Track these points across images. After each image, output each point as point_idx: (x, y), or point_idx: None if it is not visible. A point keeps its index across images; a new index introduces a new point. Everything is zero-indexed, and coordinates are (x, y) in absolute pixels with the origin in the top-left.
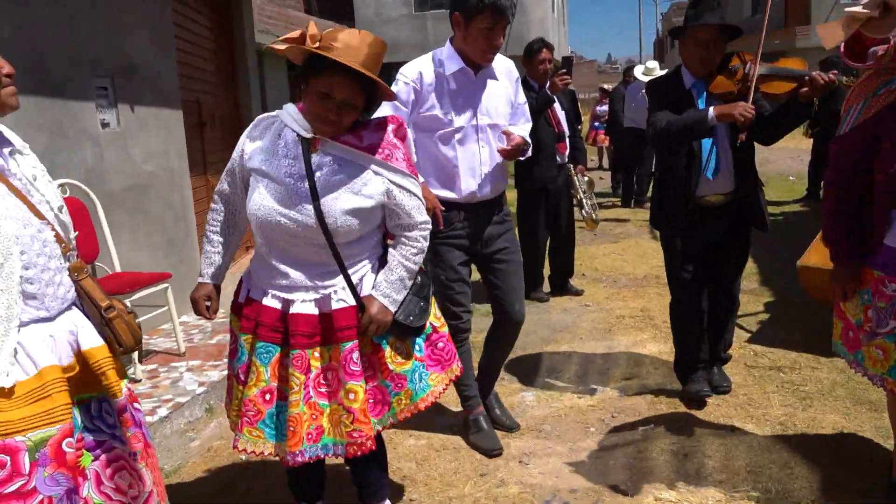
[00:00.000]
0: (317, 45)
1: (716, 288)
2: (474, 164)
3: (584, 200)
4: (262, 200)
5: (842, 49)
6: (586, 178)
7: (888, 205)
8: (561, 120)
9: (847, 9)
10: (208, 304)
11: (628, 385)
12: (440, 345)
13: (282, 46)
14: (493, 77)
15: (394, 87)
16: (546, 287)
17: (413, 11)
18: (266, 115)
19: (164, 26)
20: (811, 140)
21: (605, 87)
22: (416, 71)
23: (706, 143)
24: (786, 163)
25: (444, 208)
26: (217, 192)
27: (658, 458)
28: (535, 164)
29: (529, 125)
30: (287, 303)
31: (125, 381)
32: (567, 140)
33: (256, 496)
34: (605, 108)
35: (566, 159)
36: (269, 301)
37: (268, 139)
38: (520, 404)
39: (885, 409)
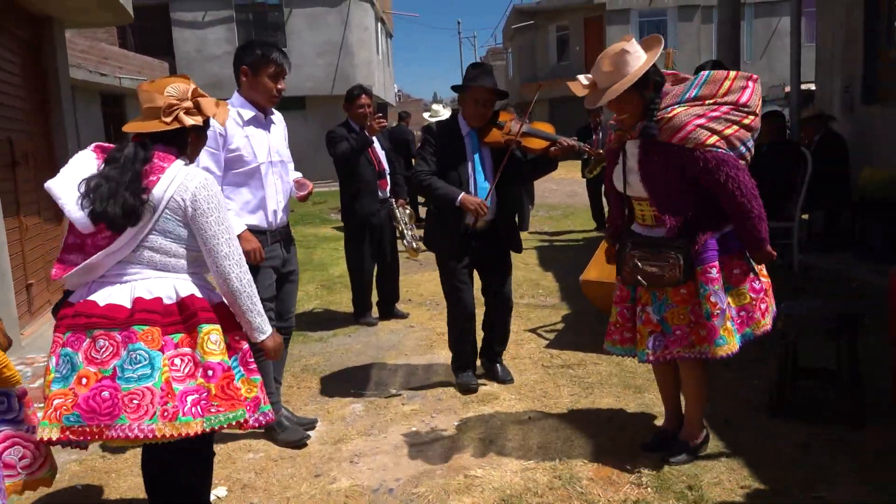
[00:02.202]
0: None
1: (490, 294)
2: (274, 194)
3: (405, 231)
4: None
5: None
6: (407, 211)
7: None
8: (381, 159)
9: (569, 83)
10: None
11: (446, 390)
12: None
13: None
14: (274, 122)
15: None
16: (375, 313)
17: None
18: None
19: None
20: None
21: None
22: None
23: (483, 184)
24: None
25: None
26: None
27: (468, 445)
28: (357, 200)
29: (292, 164)
30: None
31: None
32: (388, 177)
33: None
34: None
35: (388, 194)
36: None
37: None
38: (350, 415)
39: (646, 391)
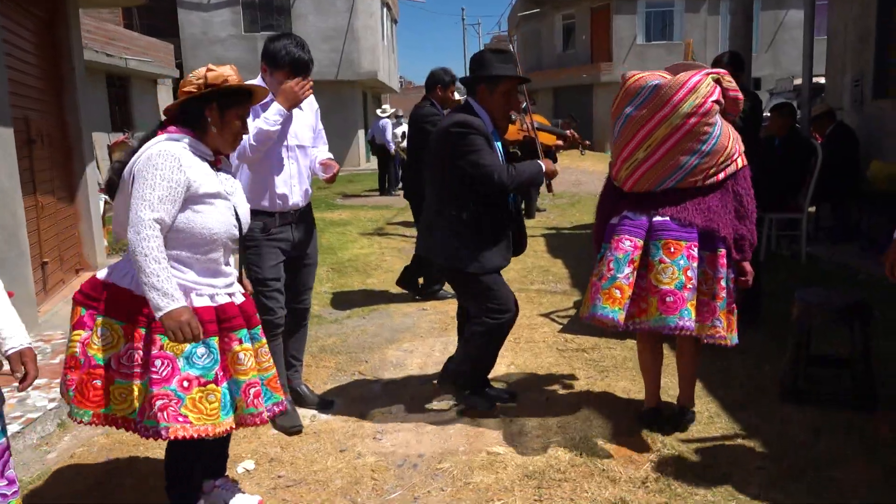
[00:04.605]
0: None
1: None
2: (286, 178)
3: None
4: (221, 217)
5: None
6: None
7: None
8: None
9: None
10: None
11: None
12: None
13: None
14: (299, 108)
15: None
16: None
17: (243, 32)
18: (174, 147)
19: None
20: None
21: None
22: None
23: None
24: (594, 184)
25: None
26: (157, 222)
27: (489, 423)
28: None
29: (326, 146)
30: (213, 297)
31: None
32: None
33: (127, 490)
34: None
35: None
36: (206, 302)
37: (199, 165)
38: (369, 393)
39: (662, 374)
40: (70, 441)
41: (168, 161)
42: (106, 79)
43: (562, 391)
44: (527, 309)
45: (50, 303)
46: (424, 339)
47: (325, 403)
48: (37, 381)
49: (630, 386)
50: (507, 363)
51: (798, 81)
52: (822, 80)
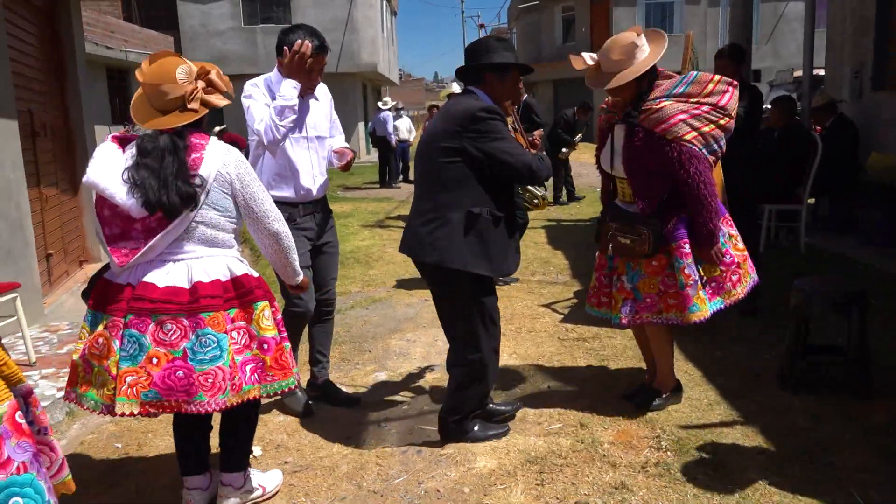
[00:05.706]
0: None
1: None
2: (308, 168)
3: None
4: None
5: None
6: None
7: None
8: None
9: (571, 55)
10: None
11: None
12: None
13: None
14: (315, 98)
15: (247, 101)
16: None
17: (242, 24)
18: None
19: None
20: None
21: (437, 104)
22: (264, 85)
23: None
24: (593, 177)
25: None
26: None
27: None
28: None
29: (342, 136)
30: None
31: None
32: None
33: (138, 476)
34: None
35: None
36: None
37: None
38: (374, 382)
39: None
40: (79, 429)
41: None
42: (106, 71)
43: (562, 379)
44: (528, 300)
45: (55, 294)
46: (427, 328)
47: (353, 400)
48: (45, 371)
49: (630, 374)
50: (509, 352)
51: (798, 73)
52: (822, 72)
